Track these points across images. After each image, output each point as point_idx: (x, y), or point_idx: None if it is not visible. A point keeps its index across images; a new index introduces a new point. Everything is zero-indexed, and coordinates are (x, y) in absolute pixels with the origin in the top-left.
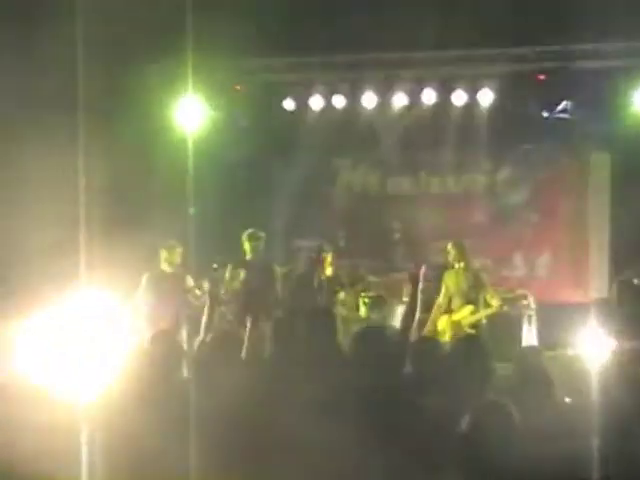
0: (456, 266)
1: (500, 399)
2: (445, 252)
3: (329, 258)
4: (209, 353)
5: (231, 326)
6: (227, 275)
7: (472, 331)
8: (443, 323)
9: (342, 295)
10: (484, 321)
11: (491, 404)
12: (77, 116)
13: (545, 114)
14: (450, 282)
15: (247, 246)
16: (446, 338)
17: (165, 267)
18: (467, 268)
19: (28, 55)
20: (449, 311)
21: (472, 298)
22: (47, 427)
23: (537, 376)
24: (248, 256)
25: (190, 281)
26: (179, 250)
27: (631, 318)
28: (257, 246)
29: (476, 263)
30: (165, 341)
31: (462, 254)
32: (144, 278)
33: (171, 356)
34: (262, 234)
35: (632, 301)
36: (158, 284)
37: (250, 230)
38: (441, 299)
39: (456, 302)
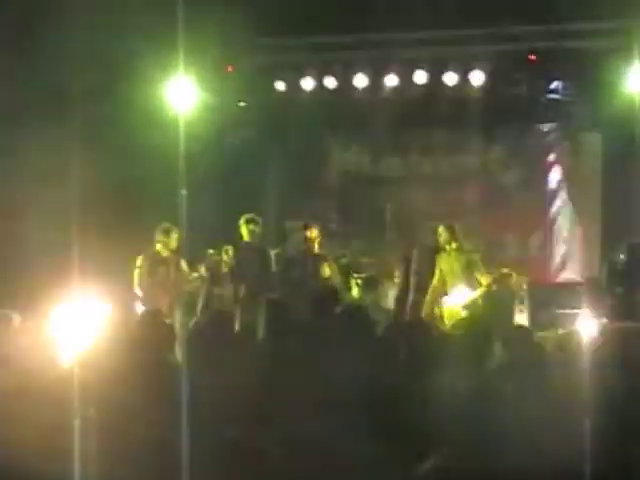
0: (448, 249)
1: (493, 381)
2: (436, 235)
3: (314, 234)
4: (204, 332)
5: (226, 307)
6: (223, 257)
7: (465, 313)
8: (439, 306)
9: (327, 271)
10: (480, 302)
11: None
12: (66, 100)
13: (536, 94)
14: (443, 265)
15: (244, 230)
16: (443, 321)
17: (160, 249)
18: (459, 250)
19: (16, 41)
20: (444, 293)
21: (465, 279)
22: (37, 411)
23: (526, 356)
24: (245, 240)
25: (184, 265)
26: (175, 233)
27: (621, 297)
28: (254, 230)
29: (468, 244)
30: (154, 321)
31: (453, 236)
32: (139, 260)
33: (160, 336)
34: (259, 219)
35: (621, 281)
36: (153, 266)
37: (248, 215)
38: (436, 282)
39: (450, 284)
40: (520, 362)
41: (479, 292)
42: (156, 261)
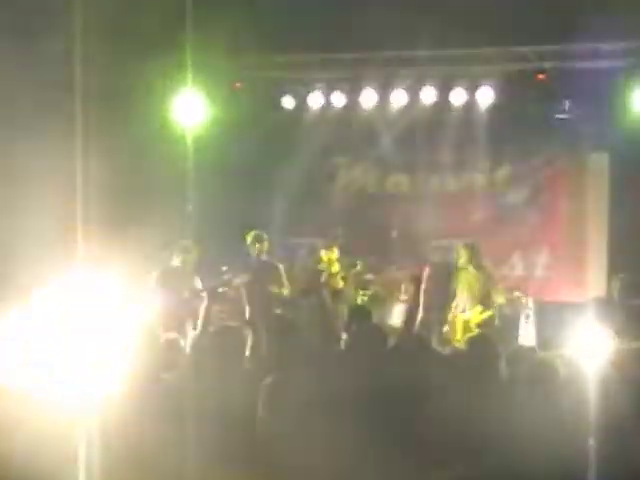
0: (468, 268)
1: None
2: (456, 253)
3: (334, 255)
4: (209, 346)
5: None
6: (230, 275)
7: (477, 330)
8: (457, 323)
9: (340, 283)
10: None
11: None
12: (75, 114)
13: (544, 113)
14: (463, 283)
15: (251, 247)
16: (458, 337)
17: (179, 265)
18: (478, 269)
19: (26, 53)
20: (463, 311)
21: (483, 298)
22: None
23: (530, 375)
24: (252, 257)
25: (199, 282)
26: (195, 251)
27: (631, 317)
28: (261, 247)
29: (487, 263)
30: (149, 336)
31: (474, 255)
32: (154, 274)
33: (156, 350)
34: (265, 236)
35: (631, 300)
36: (168, 282)
37: (255, 232)
38: (457, 300)
39: (469, 302)
40: (523, 381)
41: (488, 313)
42: (173, 277)
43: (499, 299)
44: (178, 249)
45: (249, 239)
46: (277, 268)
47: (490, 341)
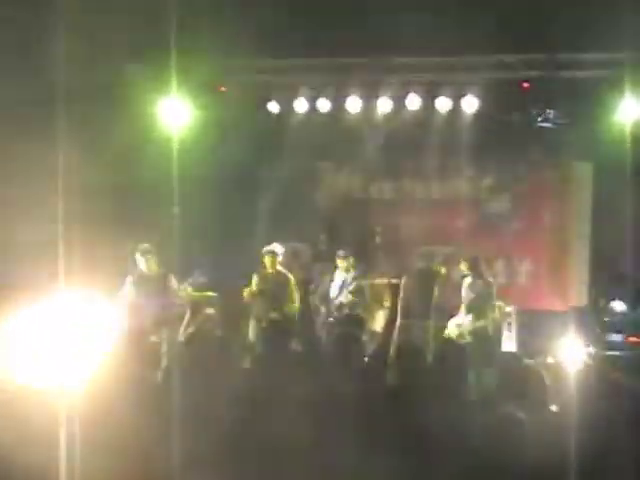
0: (468, 278)
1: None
2: (460, 264)
3: (351, 262)
4: (194, 350)
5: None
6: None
7: (466, 338)
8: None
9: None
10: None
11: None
12: (60, 117)
13: (528, 122)
14: (464, 292)
15: (267, 261)
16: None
17: (144, 269)
18: (477, 280)
19: (10, 57)
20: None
21: (478, 307)
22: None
23: (517, 381)
24: (268, 269)
25: (174, 282)
26: (153, 254)
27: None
28: (274, 261)
29: (488, 275)
30: (138, 339)
31: (474, 267)
32: (127, 279)
33: (144, 354)
34: (276, 251)
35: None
36: (140, 285)
37: (269, 247)
38: (462, 307)
39: (465, 310)
40: (512, 387)
41: (486, 321)
42: (142, 279)
43: (495, 310)
44: (138, 253)
45: (264, 254)
46: (287, 278)
47: (460, 350)
